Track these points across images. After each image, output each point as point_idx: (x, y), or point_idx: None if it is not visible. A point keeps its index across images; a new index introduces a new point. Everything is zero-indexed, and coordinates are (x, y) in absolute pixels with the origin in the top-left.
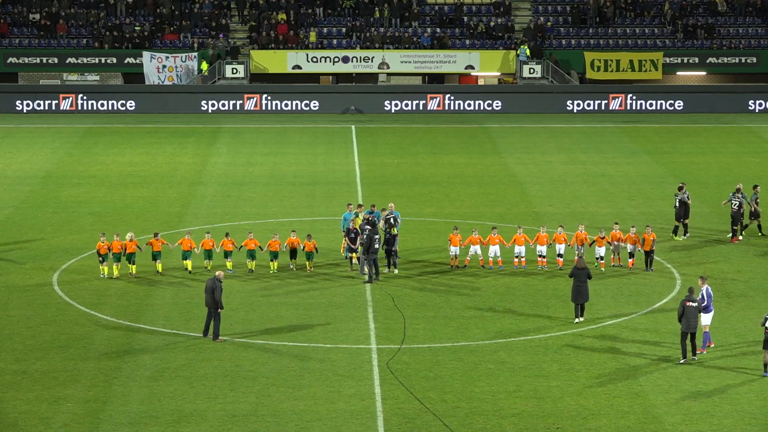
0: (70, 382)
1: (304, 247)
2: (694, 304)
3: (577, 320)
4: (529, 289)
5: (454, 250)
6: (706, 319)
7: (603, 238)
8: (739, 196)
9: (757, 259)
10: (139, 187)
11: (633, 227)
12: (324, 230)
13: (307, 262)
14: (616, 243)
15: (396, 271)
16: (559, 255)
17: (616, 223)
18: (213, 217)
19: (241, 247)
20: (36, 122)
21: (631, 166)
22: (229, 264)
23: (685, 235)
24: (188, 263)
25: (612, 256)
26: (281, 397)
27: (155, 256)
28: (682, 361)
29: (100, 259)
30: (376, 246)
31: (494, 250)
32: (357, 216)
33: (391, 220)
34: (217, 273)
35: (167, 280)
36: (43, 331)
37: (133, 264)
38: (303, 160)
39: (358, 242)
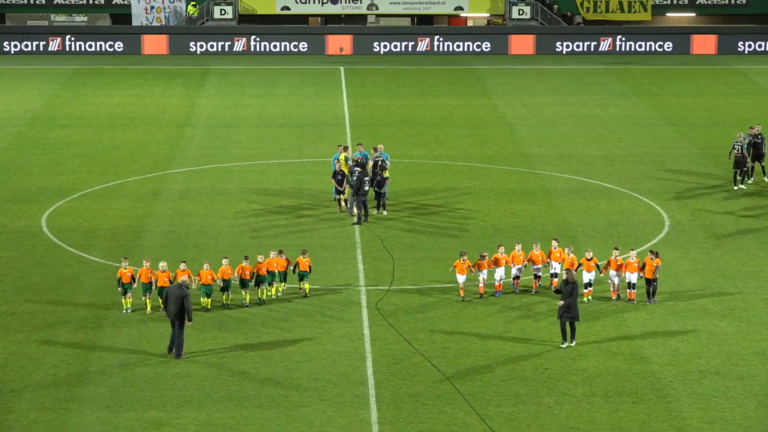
0: (59, 324)
1: (297, 266)
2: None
3: (563, 345)
4: (517, 230)
5: (461, 278)
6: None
7: (590, 260)
8: None
9: (746, 200)
10: (128, 129)
11: (632, 250)
12: (312, 172)
13: (301, 283)
14: (614, 272)
15: (385, 213)
16: (554, 275)
17: (616, 249)
18: (201, 158)
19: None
20: (23, 63)
21: (620, 107)
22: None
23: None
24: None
25: (612, 289)
26: (270, 338)
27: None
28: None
29: (122, 290)
30: (366, 188)
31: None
32: (346, 160)
33: (380, 162)
34: (181, 279)
35: (156, 223)
36: (32, 273)
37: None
38: (291, 101)
39: (344, 184)
